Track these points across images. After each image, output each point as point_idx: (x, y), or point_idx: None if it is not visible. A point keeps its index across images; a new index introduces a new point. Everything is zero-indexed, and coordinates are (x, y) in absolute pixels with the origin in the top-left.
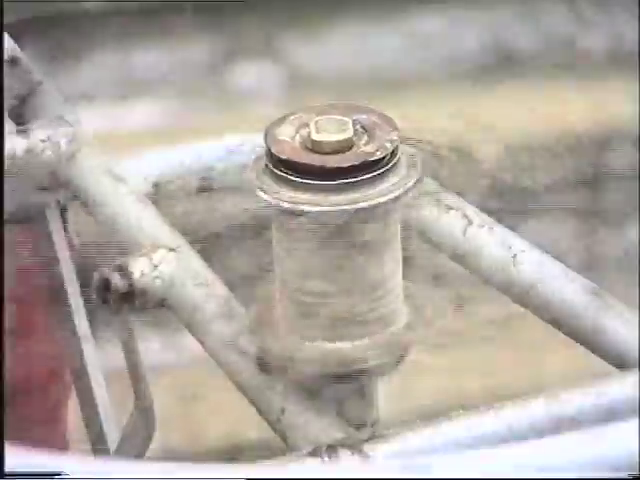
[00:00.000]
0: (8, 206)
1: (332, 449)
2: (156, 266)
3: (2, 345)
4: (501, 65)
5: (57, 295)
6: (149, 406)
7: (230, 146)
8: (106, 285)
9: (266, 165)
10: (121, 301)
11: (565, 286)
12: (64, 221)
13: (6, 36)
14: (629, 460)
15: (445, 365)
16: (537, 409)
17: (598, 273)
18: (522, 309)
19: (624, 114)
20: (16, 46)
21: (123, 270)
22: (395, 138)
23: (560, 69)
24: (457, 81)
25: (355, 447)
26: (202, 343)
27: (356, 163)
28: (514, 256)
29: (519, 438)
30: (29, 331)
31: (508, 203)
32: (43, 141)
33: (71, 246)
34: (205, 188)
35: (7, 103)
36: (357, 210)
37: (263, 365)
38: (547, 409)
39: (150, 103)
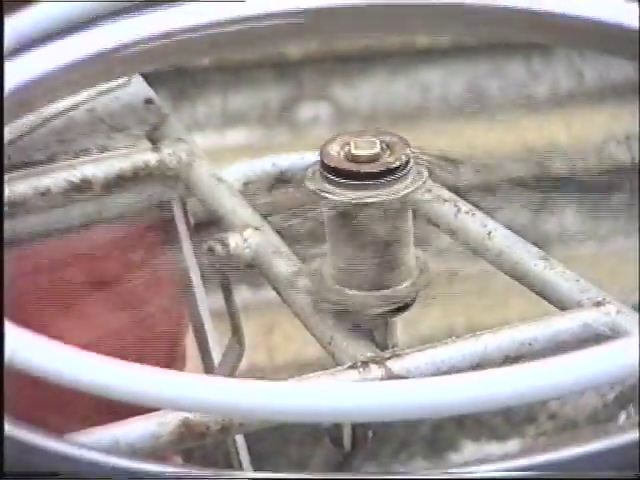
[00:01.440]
0: (144, 203)
1: (365, 364)
2: (246, 239)
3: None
4: (477, 103)
5: (178, 259)
6: (241, 335)
7: (294, 157)
8: (211, 251)
9: (320, 171)
10: (222, 263)
11: (523, 252)
12: (184, 209)
13: (144, 81)
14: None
15: (439, 308)
16: (506, 336)
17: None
18: (493, 268)
19: (561, 136)
20: (151, 89)
21: (223, 242)
22: (408, 152)
23: (517, 106)
24: (448, 114)
25: (380, 362)
26: (277, 292)
27: (381, 170)
28: (489, 232)
29: (494, 356)
30: (162, 286)
31: (481, 195)
32: (170, 155)
33: (188, 226)
34: (279, 186)
35: (144, 130)
36: (381, 202)
37: (318, 305)
38: (512, 336)
39: (241, 131)
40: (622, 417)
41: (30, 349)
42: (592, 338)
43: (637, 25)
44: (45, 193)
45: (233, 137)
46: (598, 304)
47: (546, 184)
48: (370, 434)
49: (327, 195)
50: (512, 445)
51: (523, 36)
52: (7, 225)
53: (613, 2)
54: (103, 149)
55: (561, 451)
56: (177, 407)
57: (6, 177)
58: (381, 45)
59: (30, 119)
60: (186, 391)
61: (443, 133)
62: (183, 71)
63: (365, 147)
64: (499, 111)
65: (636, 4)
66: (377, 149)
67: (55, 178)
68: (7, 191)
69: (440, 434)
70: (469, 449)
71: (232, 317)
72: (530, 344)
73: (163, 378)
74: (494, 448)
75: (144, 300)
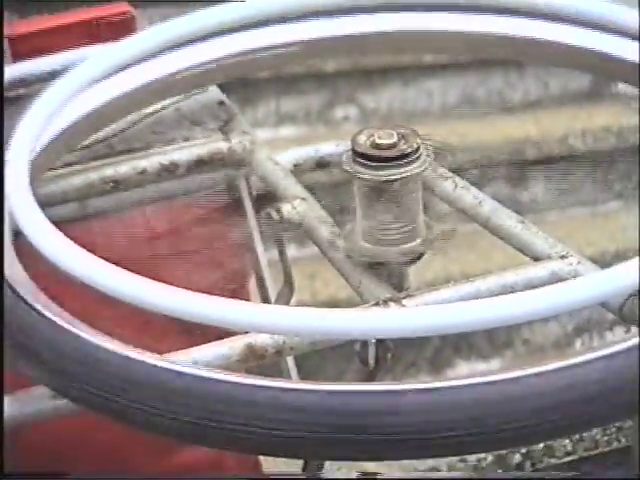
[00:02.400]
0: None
1: (385, 302)
2: (295, 207)
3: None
4: (468, 106)
5: (244, 223)
6: (290, 280)
7: (331, 146)
8: (269, 217)
9: (351, 156)
10: (277, 226)
11: (505, 217)
12: (248, 185)
13: (217, 88)
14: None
15: (440, 260)
16: (493, 280)
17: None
18: (482, 229)
19: (532, 131)
20: (223, 94)
21: (278, 209)
22: (418, 141)
23: (498, 108)
24: (446, 114)
25: (397, 301)
26: (319, 247)
27: (398, 154)
28: (479, 202)
29: (483, 296)
30: (231, 243)
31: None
32: (237, 144)
33: (251, 198)
34: (320, 167)
35: (217, 124)
36: (398, 179)
37: (350, 258)
38: (497, 281)
39: (290, 127)
40: (578, 344)
41: (141, 288)
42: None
43: (591, 46)
44: (142, 172)
45: (285, 131)
46: (563, 257)
47: (521, 166)
48: (389, 355)
49: (358, 174)
50: (495, 364)
51: (503, 55)
52: (113, 197)
53: (574, 29)
54: (186, 139)
55: (529, 369)
56: (250, 329)
57: (112, 160)
58: (396, 62)
59: (132, 117)
60: (255, 317)
61: (442, 128)
62: (247, 81)
63: (385, 137)
64: (484, 112)
65: (589, 30)
66: (394, 139)
67: (150, 161)
68: (113, 171)
69: (440, 356)
70: (462, 367)
71: (284, 267)
72: (511, 287)
73: (239, 308)
74: (481, 366)
75: (219, 253)
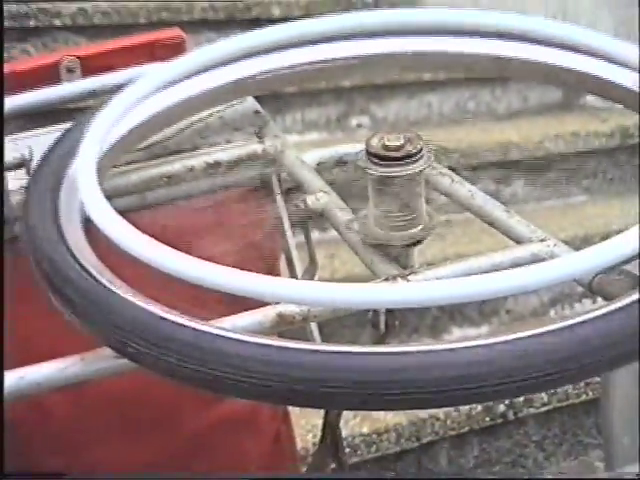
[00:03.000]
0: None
1: (394, 277)
2: (318, 199)
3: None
4: (461, 115)
5: (275, 211)
6: (314, 260)
7: (348, 147)
8: (296, 206)
9: (365, 156)
10: (303, 214)
11: (493, 207)
12: (279, 180)
13: (253, 100)
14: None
15: (438, 243)
16: (483, 260)
17: None
18: (475, 218)
19: (514, 137)
20: (258, 104)
21: (304, 200)
22: (421, 144)
23: (486, 117)
24: (444, 122)
25: (403, 277)
26: (338, 232)
27: (404, 154)
28: (472, 194)
29: (474, 273)
30: (265, 228)
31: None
32: (270, 146)
33: (281, 190)
34: (339, 165)
35: (253, 130)
36: (404, 175)
37: (364, 240)
38: (487, 261)
39: (313, 133)
40: (552, 313)
41: (190, 265)
42: (538, 262)
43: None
44: (191, 170)
45: (309, 137)
46: (542, 240)
47: (504, 165)
48: (397, 322)
49: (370, 171)
50: (483, 330)
51: (491, 73)
52: (167, 190)
53: (545, 49)
54: (228, 142)
55: (511, 334)
56: (281, 300)
57: (166, 159)
58: (401, 79)
59: (183, 123)
60: (285, 290)
61: (440, 133)
62: (278, 94)
63: (393, 140)
64: (475, 120)
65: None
66: (401, 142)
67: (198, 160)
68: (167, 168)
69: (437, 323)
70: (456, 332)
71: (309, 248)
72: (499, 265)
73: (272, 282)
74: (472, 332)
75: (255, 237)
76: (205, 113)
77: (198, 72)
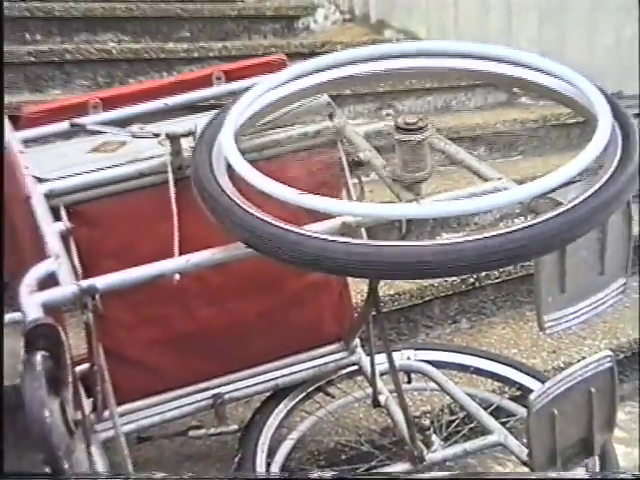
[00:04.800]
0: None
1: (410, 201)
2: (366, 155)
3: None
4: (448, 108)
5: (341, 163)
6: (363, 192)
7: (381, 125)
8: (353, 159)
9: (394, 128)
10: (357, 164)
11: (470, 159)
12: (342, 145)
13: (327, 96)
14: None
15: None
16: (463, 191)
17: None
18: (458, 167)
19: (479, 120)
20: (330, 99)
21: (357, 155)
22: (426, 121)
23: (463, 109)
24: (437, 111)
25: (417, 200)
26: (377, 174)
27: (416, 128)
28: (457, 152)
29: None
30: (331, 179)
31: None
32: (337, 123)
33: (344, 151)
34: (378, 135)
35: (326, 114)
36: (418, 140)
37: (393, 179)
38: (465, 191)
39: (359, 119)
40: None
41: (291, 194)
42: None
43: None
44: (289, 137)
45: (357, 121)
46: (499, 179)
47: (472, 138)
48: (412, 227)
49: (397, 137)
50: (461, 234)
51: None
52: (274, 150)
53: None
54: (312, 121)
55: (477, 236)
56: (344, 214)
57: (275, 131)
58: (412, 87)
59: (285, 109)
60: (347, 208)
61: (436, 119)
62: (340, 94)
63: (410, 119)
64: (455, 111)
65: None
66: (415, 120)
67: (294, 131)
68: (275, 136)
69: (433, 229)
70: (444, 235)
71: (360, 185)
72: (473, 194)
73: (339, 204)
74: (454, 235)
75: (328, 179)
76: (297, 104)
77: (294, 78)
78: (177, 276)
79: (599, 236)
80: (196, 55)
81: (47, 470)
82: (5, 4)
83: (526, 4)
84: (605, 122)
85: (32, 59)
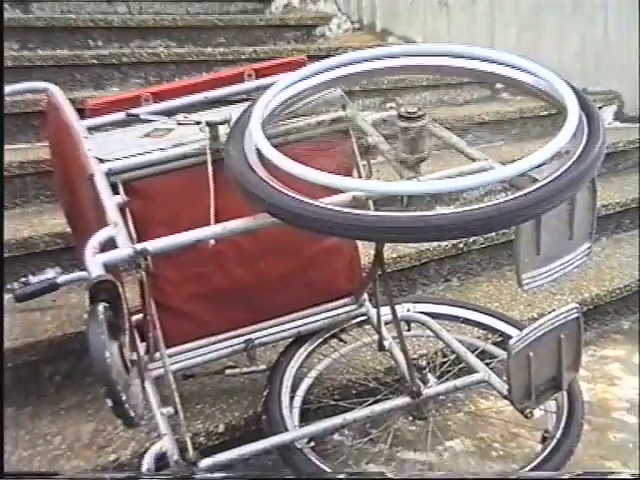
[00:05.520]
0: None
1: (410, 178)
2: (373, 140)
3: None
4: (441, 102)
5: (352, 147)
6: (371, 171)
7: (386, 115)
8: (362, 144)
9: (396, 117)
10: (365, 147)
11: (462, 143)
12: (354, 131)
13: (340, 90)
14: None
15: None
16: (455, 170)
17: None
18: (451, 150)
19: (467, 113)
20: (343, 92)
21: (366, 140)
22: (424, 111)
23: (453, 103)
24: (432, 105)
25: (417, 178)
26: (382, 155)
27: (416, 116)
28: (450, 137)
29: None
30: (345, 156)
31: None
32: (349, 113)
33: (355, 136)
34: (384, 123)
35: (340, 105)
36: (417, 126)
37: (397, 160)
38: (457, 169)
39: (367, 111)
40: (485, 199)
41: (308, 171)
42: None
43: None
44: (309, 124)
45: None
46: (485, 160)
47: (462, 128)
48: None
49: (400, 124)
50: (452, 207)
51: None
52: (294, 136)
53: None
54: (327, 111)
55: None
56: (354, 190)
57: (297, 119)
58: (410, 84)
59: (305, 100)
60: (356, 185)
61: (433, 112)
62: (352, 90)
63: (410, 109)
64: (447, 105)
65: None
66: (414, 110)
67: (313, 120)
68: (297, 124)
69: (429, 203)
70: (437, 208)
71: (368, 165)
72: (462, 173)
73: (350, 181)
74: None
75: (341, 160)
76: (316, 96)
77: (312, 75)
78: (212, 241)
79: (569, 207)
80: (230, 58)
81: (109, 403)
82: (71, 15)
83: (507, 19)
84: (573, 112)
85: (95, 62)
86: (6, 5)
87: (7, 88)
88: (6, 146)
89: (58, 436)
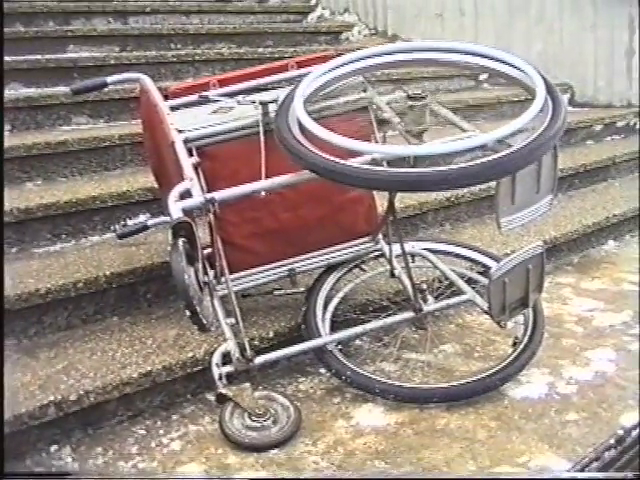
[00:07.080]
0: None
1: (416, 144)
2: (388, 115)
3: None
4: (437, 90)
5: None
6: (385, 140)
7: (397, 96)
8: (378, 119)
9: (406, 97)
10: (382, 122)
11: (456, 118)
12: (372, 109)
13: (361, 77)
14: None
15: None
16: (448, 139)
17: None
18: (447, 124)
19: (458, 98)
20: (364, 79)
21: (382, 115)
22: (427, 93)
23: (446, 91)
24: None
25: (420, 144)
26: (394, 127)
27: (421, 96)
28: (446, 113)
29: None
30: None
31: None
32: (369, 95)
33: (373, 112)
34: (395, 102)
35: (362, 90)
36: (420, 104)
37: (405, 130)
38: (452, 138)
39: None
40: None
41: (339, 139)
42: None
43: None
44: (337, 103)
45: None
46: (473, 130)
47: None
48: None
49: (408, 103)
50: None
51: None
52: (329, 111)
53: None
54: (351, 93)
55: (459, 166)
56: (373, 153)
57: (330, 100)
58: (413, 76)
59: (336, 85)
60: (374, 148)
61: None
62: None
63: (417, 91)
64: (444, 92)
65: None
66: (420, 91)
67: (341, 100)
68: (327, 103)
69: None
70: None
71: (383, 135)
72: (456, 139)
73: (370, 145)
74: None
75: (362, 131)
76: (343, 82)
77: (340, 66)
78: (263, 192)
79: (536, 167)
80: (276, 56)
81: (187, 313)
82: (158, 26)
83: (487, 27)
84: (541, 94)
85: (175, 60)
86: (110, 18)
87: (110, 78)
88: (110, 123)
89: (150, 338)
